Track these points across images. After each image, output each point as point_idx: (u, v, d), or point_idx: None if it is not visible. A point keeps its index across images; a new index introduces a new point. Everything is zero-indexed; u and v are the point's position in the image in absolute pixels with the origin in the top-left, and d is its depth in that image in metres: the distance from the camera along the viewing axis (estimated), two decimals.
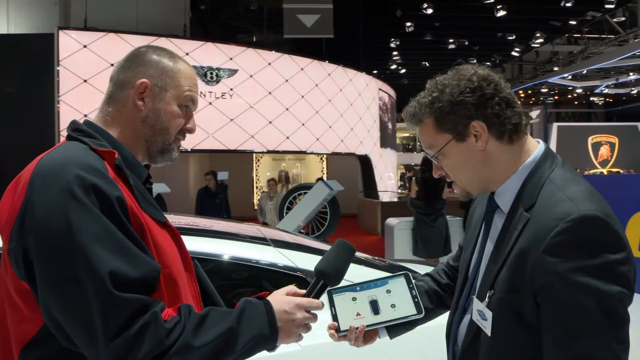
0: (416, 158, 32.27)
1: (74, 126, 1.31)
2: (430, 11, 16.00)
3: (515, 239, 1.20)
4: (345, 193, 11.83)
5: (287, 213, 7.87)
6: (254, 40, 20.27)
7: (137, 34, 12.86)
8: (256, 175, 19.19)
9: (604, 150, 30.31)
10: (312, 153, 17.31)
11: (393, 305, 1.46)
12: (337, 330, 1.43)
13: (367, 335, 1.45)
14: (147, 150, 1.37)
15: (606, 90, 29.02)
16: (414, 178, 7.31)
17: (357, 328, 1.41)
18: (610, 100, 34.06)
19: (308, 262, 2.54)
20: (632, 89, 28.26)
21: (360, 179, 19.60)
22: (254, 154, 18.27)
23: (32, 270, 1.12)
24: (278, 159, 19.29)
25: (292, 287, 1.38)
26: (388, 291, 1.49)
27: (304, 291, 1.36)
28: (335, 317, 1.44)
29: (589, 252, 1.08)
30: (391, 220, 8.22)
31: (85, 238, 1.09)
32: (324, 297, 1.41)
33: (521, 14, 16.98)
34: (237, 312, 1.22)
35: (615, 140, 30.35)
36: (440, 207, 7.02)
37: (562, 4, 15.67)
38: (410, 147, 35.49)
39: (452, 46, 20.08)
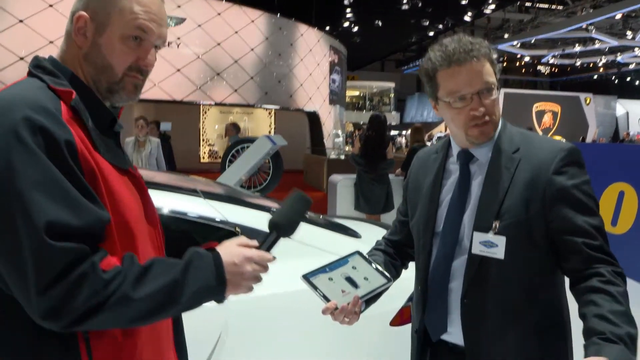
0: (365, 117, 32.38)
1: (35, 62, 1.23)
2: None
3: (512, 175, 1.50)
4: (293, 149, 11.75)
5: (229, 166, 7.72)
6: None
7: None
8: (203, 127, 18.87)
9: (546, 118, 31.11)
10: (260, 107, 17.13)
11: (366, 278, 1.55)
12: (336, 308, 1.44)
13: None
14: (97, 90, 1.27)
15: (552, 60, 29.72)
16: (358, 135, 7.30)
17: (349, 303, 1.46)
18: (556, 70, 34.91)
19: (240, 216, 2.52)
20: (577, 60, 29.01)
21: (308, 135, 19.59)
22: (201, 106, 17.90)
23: None
24: (225, 111, 18.97)
25: (243, 238, 1.33)
26: (354, 267, 1.57)
27: (256, 242, 1.32)
28: (326, 298, 1.45)
29: (581, 170, 1.49)
30: (335, 177, 8.25)
31: (25, 183, 1.04)
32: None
33: None
34: (183, 264, 1.19)
35: (557, 109, 31.19)
36: (384, 167, 6.98)
37: None
38: (359, 105, 35.53)
39: (405, 7, 19.99)
